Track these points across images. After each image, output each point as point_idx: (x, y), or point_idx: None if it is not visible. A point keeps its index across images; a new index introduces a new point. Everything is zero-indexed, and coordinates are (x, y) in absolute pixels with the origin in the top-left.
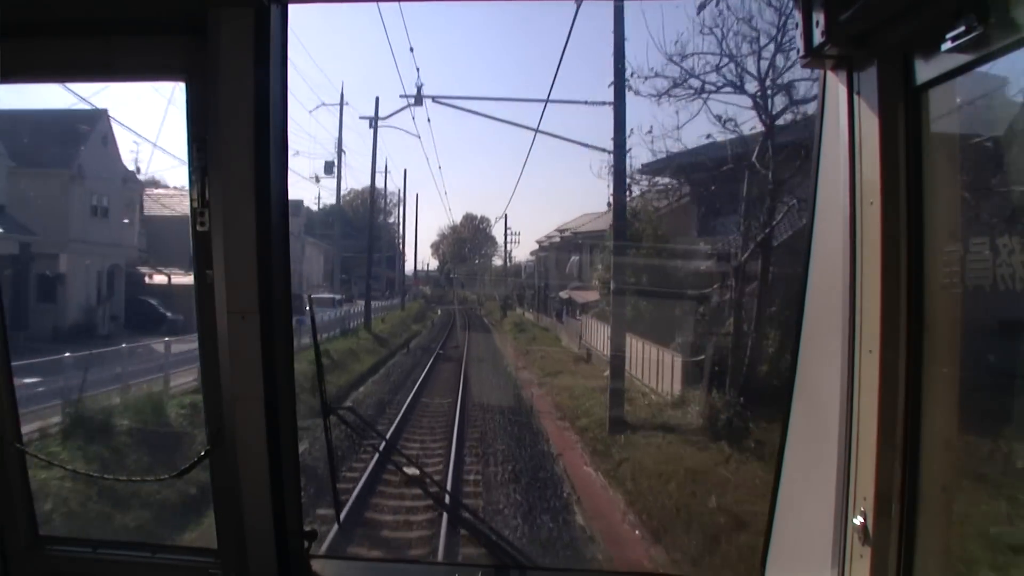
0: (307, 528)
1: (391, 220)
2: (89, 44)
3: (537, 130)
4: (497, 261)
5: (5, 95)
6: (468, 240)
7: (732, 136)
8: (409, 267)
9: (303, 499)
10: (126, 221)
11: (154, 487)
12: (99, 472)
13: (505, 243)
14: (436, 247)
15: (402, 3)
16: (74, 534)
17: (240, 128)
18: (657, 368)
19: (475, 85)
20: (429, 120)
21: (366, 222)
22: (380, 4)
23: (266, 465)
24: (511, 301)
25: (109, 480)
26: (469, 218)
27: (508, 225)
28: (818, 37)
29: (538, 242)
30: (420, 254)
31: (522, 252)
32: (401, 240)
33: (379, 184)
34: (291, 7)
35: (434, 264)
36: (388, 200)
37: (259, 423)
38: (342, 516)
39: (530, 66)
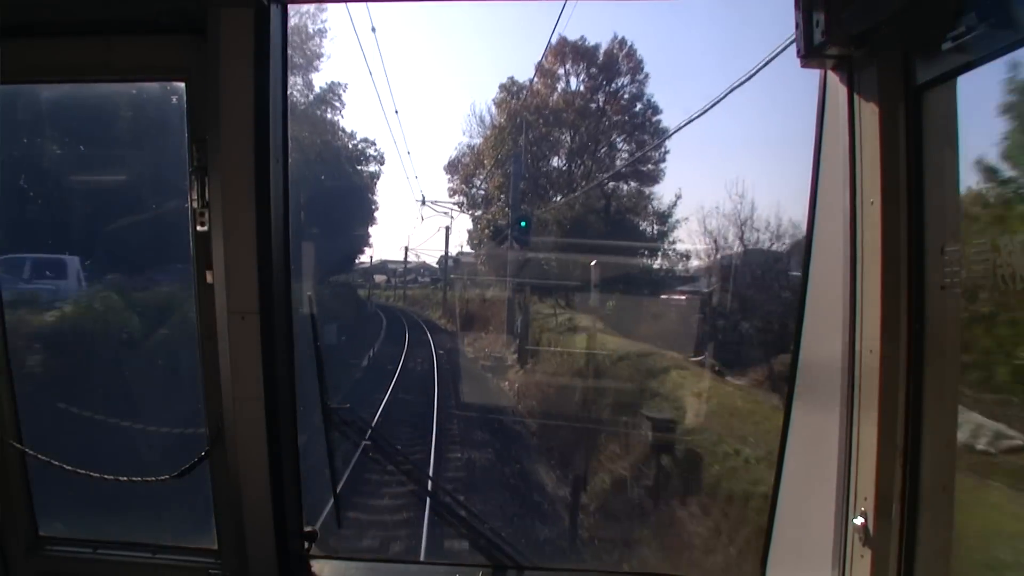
0: (307, 528)
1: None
2: (89, 44)
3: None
4: None
5: None
6: (578, 128)
7: None
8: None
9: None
10: None
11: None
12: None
13: None
14: (460, 169)
15: (399, 3)
16: (74, 534)
17: (240, 128)
18: None
19: None
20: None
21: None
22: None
23: (266, 465)
24: None
25: (109, 480)
26: (580, 53)
27: None
28: (818, 37)
29: None
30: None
31: None
32: None
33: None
34: (291, 7)
35: (463, 236)
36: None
37: (259, 423)
38: (338, 493)
39: None
